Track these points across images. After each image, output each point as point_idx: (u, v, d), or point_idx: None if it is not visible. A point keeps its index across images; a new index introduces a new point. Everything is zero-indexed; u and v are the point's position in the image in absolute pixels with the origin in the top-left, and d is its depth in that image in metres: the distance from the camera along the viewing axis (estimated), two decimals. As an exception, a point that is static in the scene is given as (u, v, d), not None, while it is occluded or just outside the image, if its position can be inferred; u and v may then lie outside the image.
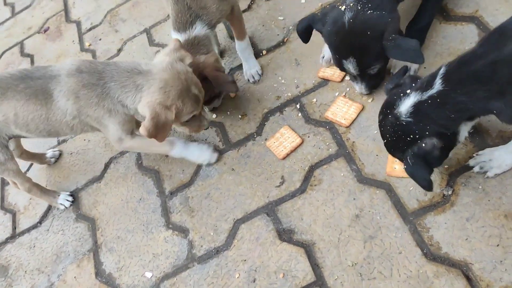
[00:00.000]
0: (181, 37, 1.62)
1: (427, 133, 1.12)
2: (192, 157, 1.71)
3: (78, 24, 2.67)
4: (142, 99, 1.42)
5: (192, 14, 1.59)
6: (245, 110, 1.83)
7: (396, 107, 1.15)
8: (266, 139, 1.70)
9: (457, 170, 1.37)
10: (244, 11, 2.15)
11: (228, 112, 1.86)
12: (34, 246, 1.89)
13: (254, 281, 1.45)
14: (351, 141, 1.56)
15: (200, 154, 1.71)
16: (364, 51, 1.38)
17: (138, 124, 1.62)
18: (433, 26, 1.65)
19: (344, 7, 1.39)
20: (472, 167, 1.35)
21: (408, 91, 1.14)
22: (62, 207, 1.91)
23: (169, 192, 1.76)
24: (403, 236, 1.33)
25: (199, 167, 1.78)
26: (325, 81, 1.74)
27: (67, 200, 1.91)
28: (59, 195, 1.92)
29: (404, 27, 1.59)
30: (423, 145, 1.12)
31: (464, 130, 1.18)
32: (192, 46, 1.62)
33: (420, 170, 1.13)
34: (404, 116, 1.13)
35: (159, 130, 1.41)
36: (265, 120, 1.77)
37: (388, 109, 1.18)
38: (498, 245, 1.22)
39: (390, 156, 1.39)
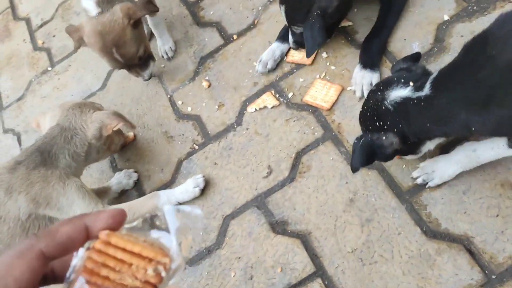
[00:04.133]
0: None
1: (395, 129, 1.09)
2: (181, 197, 1.54)
3: (28, 21, 2.47)
4: (88, 122, 1.50)
5: None
6: (222, 100, 1.74)
7: (390, 89, 1.11)
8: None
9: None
10: (209, -6, 2.04)
11: (204, 104, 1.76)
12: None
13: (251, 278, 1.39)
14: (336, 123, 1.51)
15: (186, 191, 1.55)
16: (292, 4, 1.46)
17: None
18: (407, -3, 1.61)
19: None
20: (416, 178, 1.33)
21: (411, 83, 1.10)
22: None
23: (150, 194, 1.66)
24: (400, 216, 1.30)
25: (179, 163, 1.68)
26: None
27: None
28: None
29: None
30: (383, 137, 1.10)
31: (430, 144, 1.18)
32: (107, 2, 1.61)
33: (362, 155, 1.13)
34: (388, 101, 1.10)
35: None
36: (243, 108, 1.68)
37: (384, 86, 1.15)
38: (497, 216, 1.21)
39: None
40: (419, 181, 1.31)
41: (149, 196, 1.55)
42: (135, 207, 1.50)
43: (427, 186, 1.30)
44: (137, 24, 1.64)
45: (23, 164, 1.41)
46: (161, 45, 1.95)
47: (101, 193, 1.63)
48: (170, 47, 1.94)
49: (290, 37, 1.61)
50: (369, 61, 1.50)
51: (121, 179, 1.69)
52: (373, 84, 1.49)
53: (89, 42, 1.63)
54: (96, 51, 1.65)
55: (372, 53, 1.50)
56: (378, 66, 1.50)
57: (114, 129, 1.49)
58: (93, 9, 1.61)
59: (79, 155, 1.49)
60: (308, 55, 1.54)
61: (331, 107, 1.54)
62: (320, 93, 1.56)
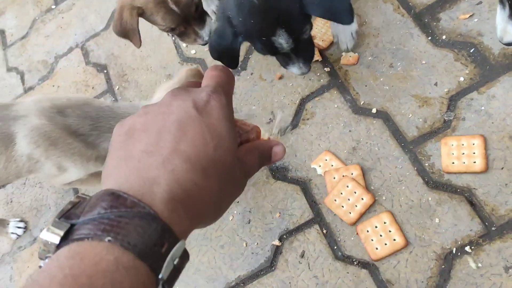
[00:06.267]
0: None
1: None
2: None
3: None
4: None
5: None
6: (227, 43, 1.69)
7: None
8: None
9: (458, 93, 1.29)
10: None
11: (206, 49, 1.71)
12: (11, 201, 1.78)
13: (249, 222, 1.39)
14: (343, 70, 1.46)
15: None
16: (288, 15, 1.13)
17: None
18: None
19: None
20: None
21: None
22: (14, 237, 1.68)
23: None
24: (403, 166, 1.27)
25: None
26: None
27: (19, 227, 1.69)
28: (8, 224, 1.69)
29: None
30: None
31: None
32: None
33: None
34: None
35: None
36: (249, 53, 1.63)
37: None
38: (502, 168, 1.17)
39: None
40: None
41: None
42: None
43: None
44: None
45: (72, 125, 1.20)
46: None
47: None
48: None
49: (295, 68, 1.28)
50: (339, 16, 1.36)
51: None
52: (354, 35, 1.42)
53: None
54: (150, 6, 1.39)
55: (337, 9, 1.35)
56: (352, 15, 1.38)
57: None
58: None
59: None
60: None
61: (327, 47, 1.49)
62: (320, 31, 1.50)
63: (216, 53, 1.24)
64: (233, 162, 0.40)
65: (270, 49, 1.19)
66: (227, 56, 1.24)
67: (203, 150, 0.37)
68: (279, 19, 1.12)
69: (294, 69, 1.29)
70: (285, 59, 1.26)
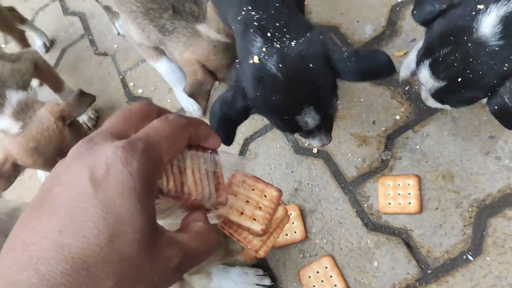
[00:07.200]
0: (7, 111, 1.32)
1: None
2: None
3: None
4: None
5: None
6: (173, 82, 1.68)
7: (474, 30, 0.80)
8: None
9: (395, 131, 1.30)
10: None
11: (156, 86, 1.70)
12: None
13: (195, 268, 1.37)
14: (285, 109, 1.46)
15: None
16: (317, 90, 0.94)
17: None
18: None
19: (256, 57, 0.92)
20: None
21: (481, 6, 0.80)
22: None
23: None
24: (343, 207, 1.27)
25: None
26: None
27: None
28: None
29: None
30: None
31: None
32: (24, 111, 1.33)
33: None
34: (493, 40, 0.79)
35: None
36: (194, 91, 1.63)
37: (458, 37, 0.82)
38: (436, 209, 1.18)
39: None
40: None
41: None
42: None
43: None
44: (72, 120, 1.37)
45: None
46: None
47: None
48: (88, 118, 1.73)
49: None
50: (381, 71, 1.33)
51: None
52: None
53: (26, 163, 1.33)
54: (39, 168, 1.41)
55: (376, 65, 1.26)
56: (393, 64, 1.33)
57: None
58: (13, 125, 1.32)
59: None
60: None
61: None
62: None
63: (218, 123, 1.02)
64: (140, 255, 0.31)
65: (292, 128, 1.02)
66: (228, 127, 1.04)
67: (93, 243, 0.29)
68: (308, 95, 0.94)
69: (315, 142, 1.12)
70: (305, 133, 1.09)
